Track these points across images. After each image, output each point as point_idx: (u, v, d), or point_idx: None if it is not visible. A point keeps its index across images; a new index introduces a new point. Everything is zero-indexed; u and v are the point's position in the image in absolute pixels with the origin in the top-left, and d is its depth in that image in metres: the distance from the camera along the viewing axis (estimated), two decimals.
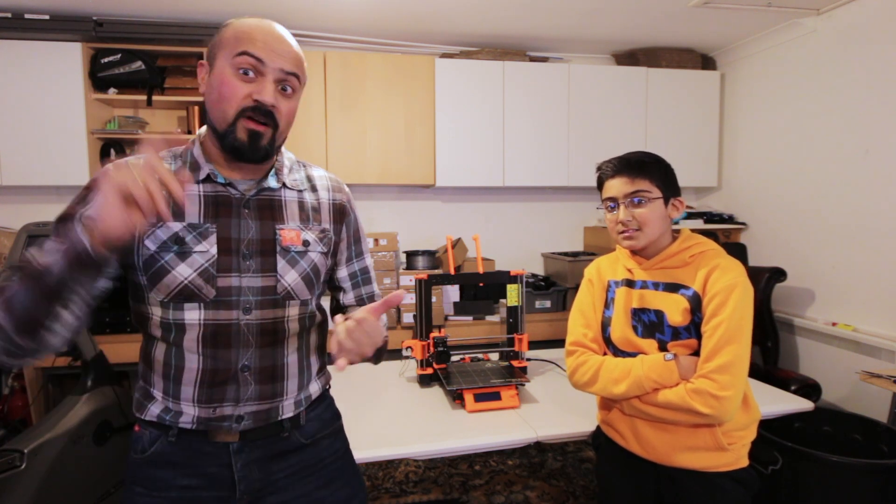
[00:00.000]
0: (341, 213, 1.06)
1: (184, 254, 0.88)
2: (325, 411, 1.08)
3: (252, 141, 0.88)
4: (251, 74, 0.87)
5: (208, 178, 0.92)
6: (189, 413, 0.91)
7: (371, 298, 1.14)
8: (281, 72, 0.88)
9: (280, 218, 0.96)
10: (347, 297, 1.12)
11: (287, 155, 1.04)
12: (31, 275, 0.72)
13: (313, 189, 1.04)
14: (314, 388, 1.04)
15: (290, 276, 0.95)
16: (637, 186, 1.23)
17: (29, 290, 0.72)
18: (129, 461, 0.97)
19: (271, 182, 0.97)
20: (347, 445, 1.12)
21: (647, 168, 1.24)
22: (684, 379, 1.18)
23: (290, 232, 0.96)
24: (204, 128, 0.96)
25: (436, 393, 1.82)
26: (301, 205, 1.00)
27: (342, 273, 1.10)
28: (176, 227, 0.88)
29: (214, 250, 0.90)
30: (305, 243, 0.98)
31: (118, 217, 0.68)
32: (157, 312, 0.90)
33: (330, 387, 1.13)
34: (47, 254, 0.72)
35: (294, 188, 1.00)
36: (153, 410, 0.93)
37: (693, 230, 1.32)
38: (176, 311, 0.89)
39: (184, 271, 0.88)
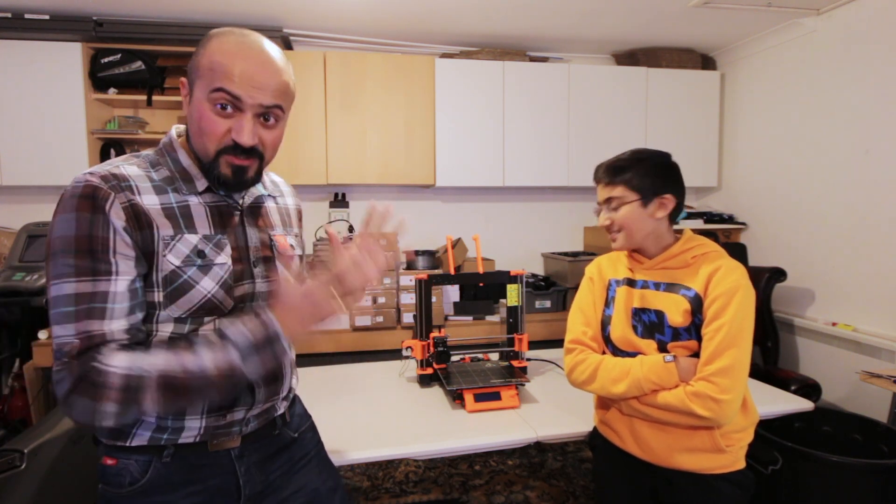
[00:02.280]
0: (300, 218, 1.12)
1: (206, 267, 0.86)
2: (298, 406, 1.12)
3: (236, 175, 0.86)
4: (229, 109, 0.83)
5: (207, 189, 0.90)
6: (193, 427, 0.88)
7: None
8: (261, 107, 0.84)
9: (269, 224, 0.99)
10: None
11: None
12: (223, 376, 0.77)
13: (282, 195, 1.08)
14: (294, 383, 1.08)
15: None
16: (610, 193, 1.28)
17: (213, 390, 0.78)
18: (106, 498, 0.87)
19: (260, 189, 0.99)
20: (320, 438, 1.16)
21: (623, 172, 1.26)
22: (683, 381, 1.18)
23: (281, 237, 1.00)
24: (176, 130, 0.93)
25: (436, 393, 1.82)
26: (278, 210, 1.04)
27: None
28: (194, 239, 0.86)
29: (230, 261, 0.89)
30: (292, 247, 1.02)
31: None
32: (166, 329, 0.85)
33: None
34: (244, 357, 0.78)
35: (272, 194, 1.03)
36: (142, 434, 0.86)
37: (693, 230, 1.32)
38: (193, 324, 0.86)
39: (207, 285, 0.86)
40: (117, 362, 0.74)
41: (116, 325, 0.78)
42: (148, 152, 0.92)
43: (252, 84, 0.82)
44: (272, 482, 0.98)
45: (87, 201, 0.78)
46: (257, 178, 0.91)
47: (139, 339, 0.81)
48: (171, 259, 0.83)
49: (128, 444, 0.86)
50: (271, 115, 0.86)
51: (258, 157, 0.88)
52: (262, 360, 0.79)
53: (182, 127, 0.93)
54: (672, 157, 1.31)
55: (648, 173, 1.25)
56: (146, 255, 0.82)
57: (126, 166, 0.85)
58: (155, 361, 0.75)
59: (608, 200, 1.29)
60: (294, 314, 0.80)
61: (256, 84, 0.82)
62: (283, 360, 0.99)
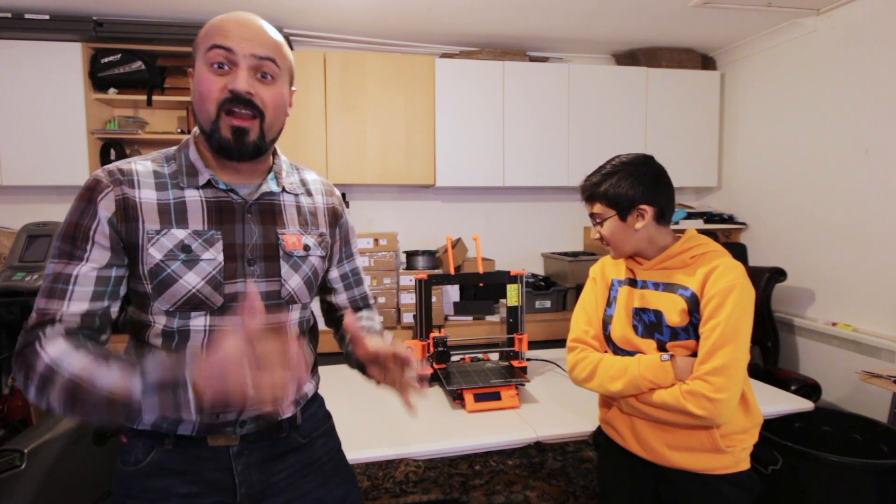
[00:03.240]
0: (335, 217, 1.08)
1: (191, 262, 0.86)
2: (318, 411, 1.09)
3: (237, 137, 0.86)
4: (225, 67, 0.85)
5: (209, 184, 0.90)
6: (189, 420, 0.86)
7: (364, 299, 1.18)
8: (254, 57, 0.85)
9: (281, 223, 0.96)
10: (339, 298, 1.15)
11: (282, 158, 1.04)
12: (118, 402, 0.71)
13: (308, 193, 1.04)
14: (308, 388, 1.05)
15: (293, 281, 0.96)
16: (592, 210, 1.33)
17: (105, 412, 0.72)
18: (118, 474, 0.93)
19: (272, 186, 0.96)
20: (340, 444, 1.13)
21: (596, 192, 1.30)
22: (680, 380, 1.18)
23: (292, 237, 0.96)
24: (196, 128, 0.94)
25: (436, 393, 1.82)
26: (299, 209, 1.00)
27: (334, 274, 1.12)
28: (181, 234, 0.86)
29: (221, 258, 0.88)
30: (306, 248, 0.98)
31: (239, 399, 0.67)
32: (160, 321, 0.88)
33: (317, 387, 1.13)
34: (145, 393, 0.70)
35: (292, 192, 1.00)
36: (147, 419, 0.88)
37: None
38: (182, 319, 0.87)
39: (191, 280, 0.86)
40: (49, 349, 0.75)
41: (73, 308, 0.80)
42: (171, 148, 0.95)
43: (243, 36, 0.85)
44: (274, 484, 0.97)
45: (87, 192, 0.84)
46: (262, 143, 0.89)
47: (94, 327, 0.83)
48: (153, 252, 0.85)
49: (136, 427, 0.90)
50: (267, 71, 0.87)
51: (259, 115, 0.87)
52: (160, 402, 0.70)
53: None
54: (654, 158, 1.31)
55: (622, 186, 1.26)
56: (131, 247, 0.85)
57: (139, 162, 0.90)
58: (74, 363, 0.73)
59: (591, 217, 1.34)
60: (206, 373, 0.69)
61: (247, 36, 0.86)
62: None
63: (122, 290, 0.87)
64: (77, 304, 0.81)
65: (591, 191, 1.31)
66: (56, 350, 0.75)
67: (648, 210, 1.25)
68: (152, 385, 0.70)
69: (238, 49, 0.84)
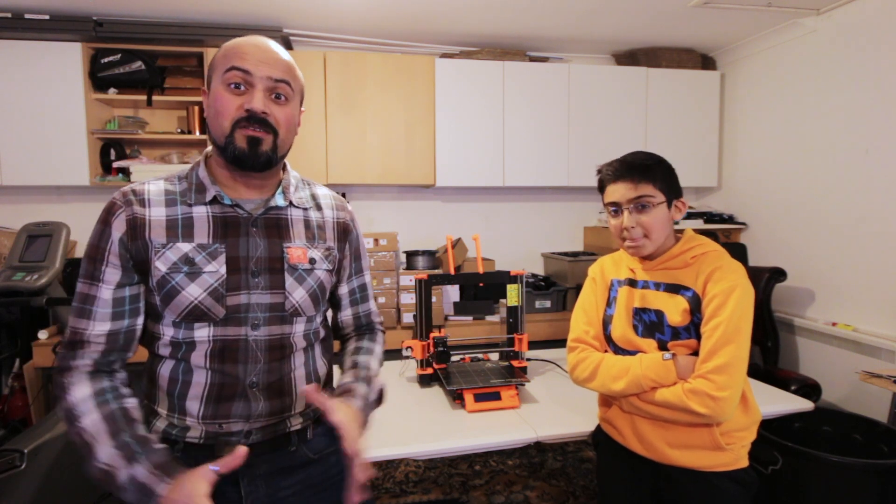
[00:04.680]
0: (345, 232, 1.08)
1: (194, 274, 0.89)
2: (333, 426, 1.07)
3: (251, 147, 0.90)
4: (242, 88, 0.90)
5: (215, 200, 0.93)
6: (196, 428, 0.91)
7: (367, 317, 1.18)
8: (269, 80, 0.90)
9: (287, 236, 0.98)
10: (344, 314, 1.15)
11: (292, 173, 1.05)
12: (107, 473, 0.82)
13: (318, 207, 1.06)
14: None
15: (297, 294, 0.97)
16: (641, 192, 1.20)
17: (97, 473, 0.83)
18: None
19: (279, 200, 0.98)
20: None
21: (651, 172, 1.21)
22: (682, 379, 1.18)
23: (297, 250, 0.98)
24: (210, 147, 0.98)
25: (436, 393, 1.82)
26: (307, 223, 1.02)
27: (343, 290, 1.12)
28: (186, 247, 0.90)
29: (224, 270, 0.91)
30: (312, 261, 0.99)
31: None
32: (168, 332, 0.91)
33: None
34: (127, 485, 0.81)
35: (300, 206, 1.02)
36: (158, 426, 0.93)
37: (694, 230, 1.32)
38: (186, 330, 0.90)
39: (194, 291, 0.89)
40: (75, 391, 0.86)
41: (98, 329, 0.89)
42: (185, 167, 1.00)
43: (260, 59, 0.91)
44: (282, 499, 0.96)
45: (105, 214, 0.91)
46: (273, 156, 0.93)
47: (119, 345, 0.91)
48: (159, 265, 0.89)
49: (150, 431, 0.93)
50: (281, 92, 0.92)
51: (272, 132, 0.92)
52: (133, 496, 0.81)
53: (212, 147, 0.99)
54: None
55: (669, 175, 1.25)
56: (142, 263, 0.90)
57: (153, 182, 0.95)
58: (89, 416, 0.84)
59: (636, 200, 1.21)
60: (171, 500, 0.79)
61: (264, 59, 0.91)
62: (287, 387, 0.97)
63: (142, 307, 0.93)
64: (100, 325, 0.89)
65: (645, 170, 1.20)
66: (79, 394, 0.86)
67: (685, 205, 1.27)
68: (134, 481, 0.81)
69: (255, 71, 0.89)
